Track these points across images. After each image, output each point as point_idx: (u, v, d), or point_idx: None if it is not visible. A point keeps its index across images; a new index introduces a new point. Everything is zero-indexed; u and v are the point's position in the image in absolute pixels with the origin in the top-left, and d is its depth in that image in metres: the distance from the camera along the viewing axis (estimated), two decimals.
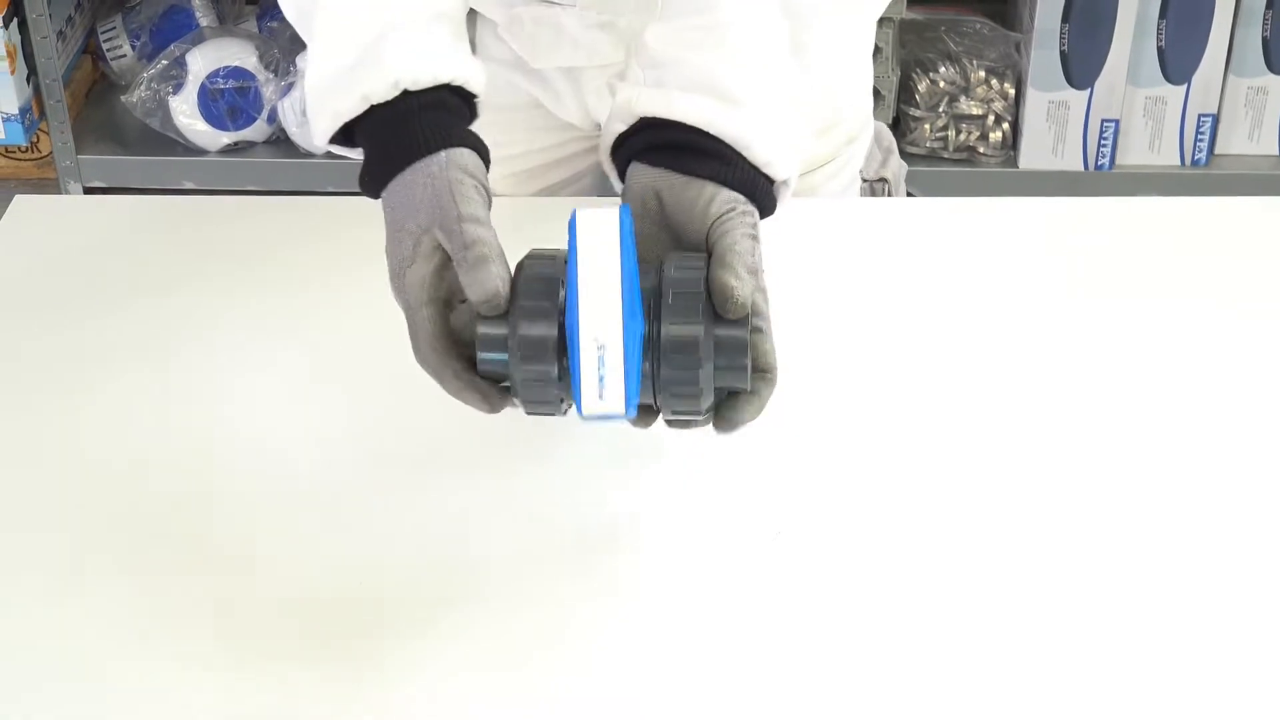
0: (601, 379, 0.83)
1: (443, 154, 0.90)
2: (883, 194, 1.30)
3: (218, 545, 0.95)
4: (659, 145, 0.92)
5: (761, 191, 0.92)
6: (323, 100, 0.94)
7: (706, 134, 0.91)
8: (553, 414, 0.89)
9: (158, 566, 0.94)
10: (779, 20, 0.95)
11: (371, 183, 0.93)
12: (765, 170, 0.92)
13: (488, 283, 0.85)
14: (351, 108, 0.93)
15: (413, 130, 0.91)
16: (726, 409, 0.88)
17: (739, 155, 0.91)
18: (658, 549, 0.95)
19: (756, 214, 0.91)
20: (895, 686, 0.87)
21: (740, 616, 0.91)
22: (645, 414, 0.90)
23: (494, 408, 0.89)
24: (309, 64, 0.96)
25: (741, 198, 0.90)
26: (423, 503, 0.98)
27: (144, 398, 1.06)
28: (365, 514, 0.97)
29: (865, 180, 1.29)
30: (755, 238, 0.89)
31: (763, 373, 0.88)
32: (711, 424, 0.88)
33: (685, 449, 1.00)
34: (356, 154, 0.96)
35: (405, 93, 0.92)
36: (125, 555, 0.95)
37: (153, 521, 0.97)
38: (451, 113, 0.93)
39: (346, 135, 0.96)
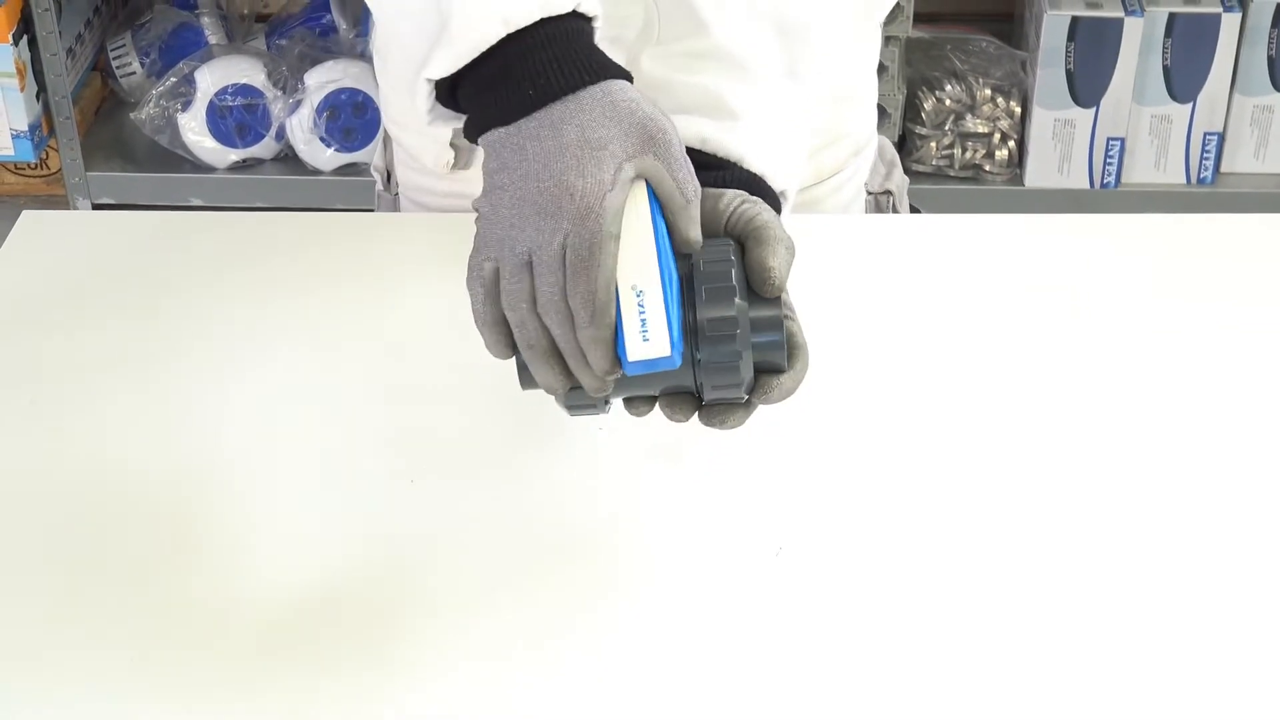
0: (644, 322, 0.82)
1: (627, 84, 0.85)
2: (888, 207, 1.31)
3: (223, 557, 0.96)
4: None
5: (762, 195, 0.92)
6: (481, 9, 0.84)
7: (699, 151, 0.92)
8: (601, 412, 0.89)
9: (164, 577, 0.94)
10: (771, 40, 0.95)
11: (537, 96, 0.84)
12: (763, 180, 0.92)
13: (695, 234, 0.85)
14: (526, 15, 0.84)
15: (590, 50, 0.85)
16: (764, 384, 0.87)
17: (736, 166, 0.92)
18: (659, 565, 0.95)
19: (754, 200, 0.90)
20: (896, 703, 0.87)
21: (741, 634, 0.91)
22: (682, 405, 0.88)
23: (611, 372, 0.84)
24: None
25: (745, 194, 0.90)
26: (425, 512, 0.98)
27: (151, 413, 1.06)
28: (370, 524, 0.98)
29: (870, 193, 1.30)
30: (779, 217, 0.89)
31: (798, 349, 0.88)
32: (750, 400, 0.87)
33: (687, 465, 1.01)
34: (445, 122, 0.90)
35: (573, 13, 0.86)
36: (131, 567, 0.95)
37: (157, 533, 0.97)
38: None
39: (450, 93, 0.88)
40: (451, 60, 0.85)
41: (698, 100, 0.92)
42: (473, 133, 0.87)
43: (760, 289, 0.85)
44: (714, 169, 0.92)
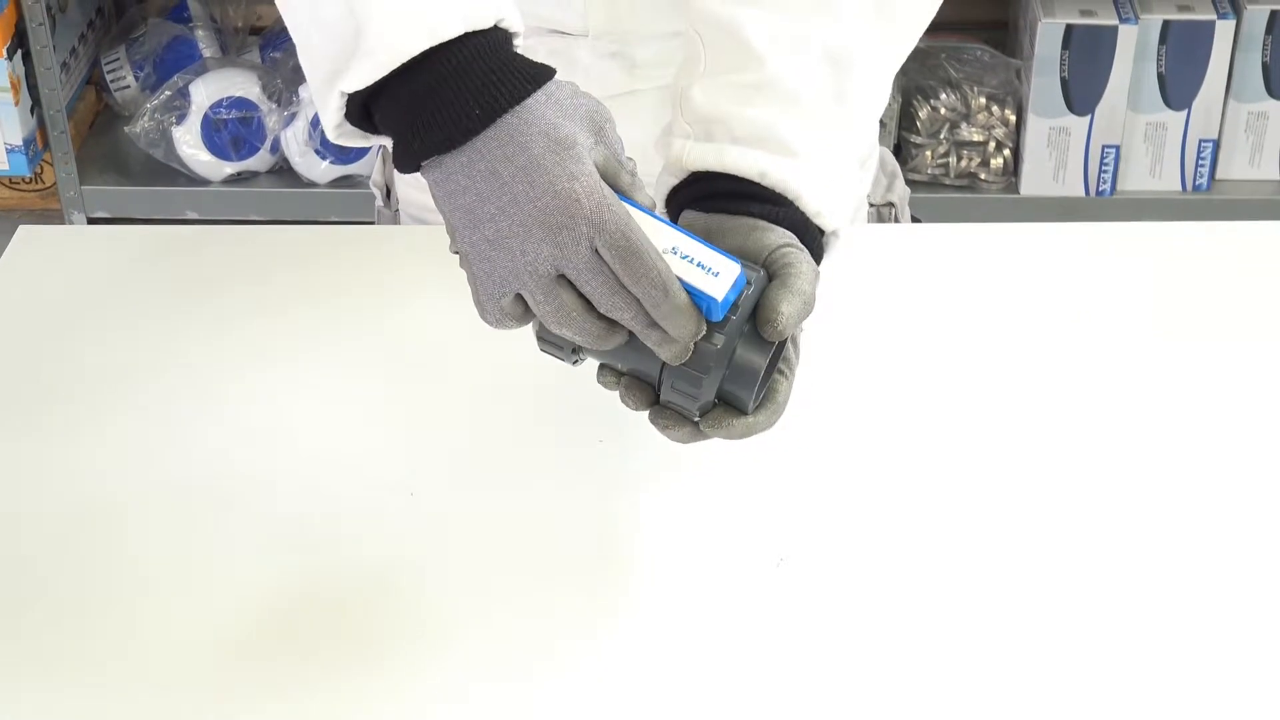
0: (700, 265, 0.84)
1: (560, 79, 0.86)
2: (890, 219, 1.31)
3: (221, 569, 0.96)
4: (711, 195, 0.92)
5: (811, 238, 0.92)
6: (402, 21, 0.82)
7: (757, 184, 0.91)
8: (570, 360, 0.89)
9: (161, 589, 0.94)
10: (823, 69, 0.94)
11: (484, 114, 0.83)
12: (815, 220, 0.92)
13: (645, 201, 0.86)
14: (450, 28, 0.82)
15: (517, 58, 0.85)
16: (720, 416, 0.87)
17: (790, 203, 0.91)
18: (661, 576, 0.95)
19: (805, 252, 0.90)
20: (898, 714, 0.87)
21: (743, 645, 0.91)
22: (639, 394, 0.87)
23: (697, 333, 0.84)
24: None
25: (794, 238, 0.90)
26: (425, 524, 0.98)
27: (150, 428, 1.06)
28: (370, 536, 0.97)
29: (872, 205, 1.29)
30: (818, 275, 0.89)
31: (773, 403, 0.88)
32: (701, 422, 0.87)
33: (687, 476, 1.01)
34: (350, 139, 0.88)
35: (494, 26, 0.85)
36: (129, 580, 0.95)
37: (155, 547, 0.97)
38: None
39: (363, 112, 0.86)
40: (371, 71, 0.83)
41: (755, 133, 0.92)
42: (407, 160, 0.84)
43: (763, 329, 0.85)
44: (770, 203, 0.91)
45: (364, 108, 0.86)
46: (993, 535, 0.98)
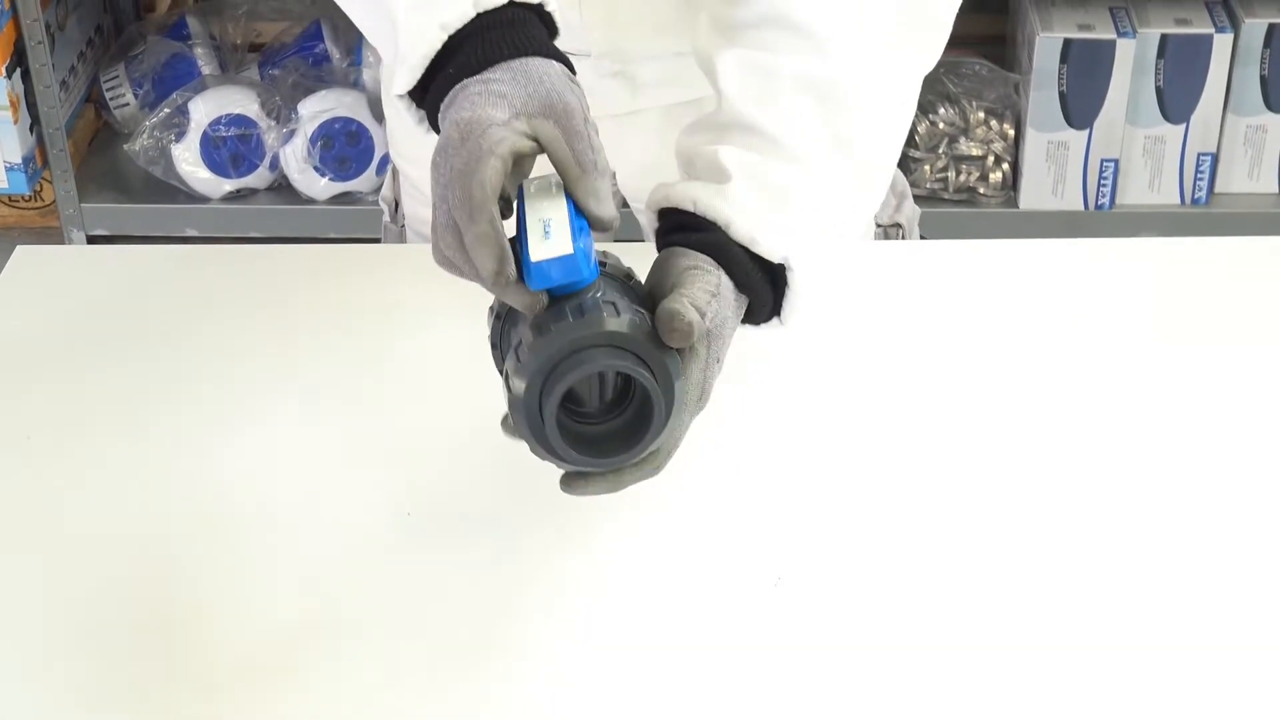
0: (548, 232, 0.83)
1: (552, 62, 0.88)
2: (896, 239, 1.30)
3: (221, 590, 0.95)
4: (666, 229, 0.92)
5: (734, 262, 0.89)
6: (420, 22, 0.88)
7: (692, 213, 0.90)
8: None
9: (161, 609, 0.94)
10: (794, 100, 0.92)
11: (456, 75, 0.87)
12: (751, 248, 0.89)
13: (609, 208, 0.85)
14: (460, 15, 0.87)
15: (520, 32, 0.88)
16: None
17: (717, 228, 0.90)
18: (659, 596, 0.95)
19: (721, 274, 0.88)
20: None
21: (740, 666, 0.91)
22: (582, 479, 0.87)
23: (501, 271, 0.83)
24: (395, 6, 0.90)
25: (707, 259, 0.89)
26: (419, 550, 0.98)
27: (149, 449, 1.06)
28: (356, 552, 0.97)
29: (879, 225, 1.29)
30: (713, 294, 0.87)
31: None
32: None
33: (684, 495, 1.00)
34: (414, 118, 0.92)
35: (512, 4, 0.88)
36: (128, 601, 0.95)
37: (154, 569, 0.97)
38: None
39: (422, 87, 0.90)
40: (408, 74, 0.88)
41: (706, 166, 0.92)
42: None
43: (658, 324, 0.83)
44: (699, 230, 0.90)
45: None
46: (996, 548, 0.97)
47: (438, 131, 0.88)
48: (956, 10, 0.99)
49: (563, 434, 0.83)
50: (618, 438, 0.85)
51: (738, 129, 0.93)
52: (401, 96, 0.89)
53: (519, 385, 0.83)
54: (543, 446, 0.84)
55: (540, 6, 0.89)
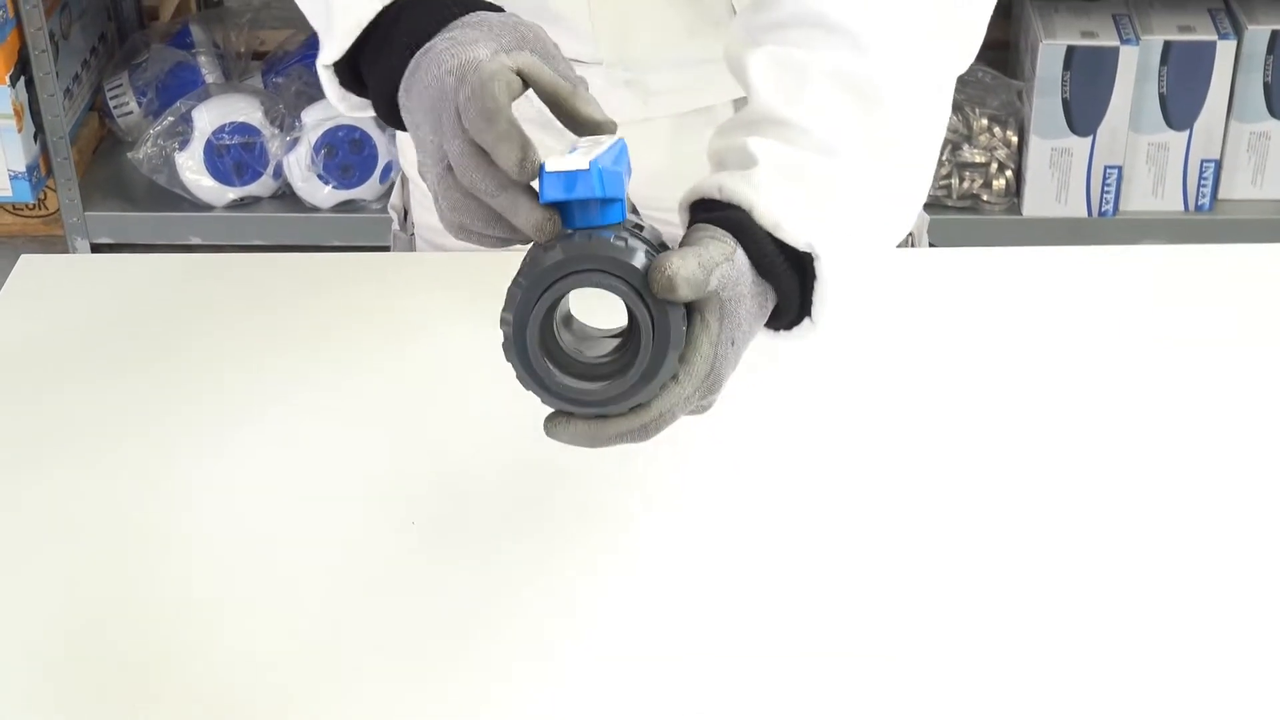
0: (573, 149, 0.82)
1: (500, 11, 0.89)
2: (907, 246, 1.30)
3: (221, 599, 0.95)
4: (695, 217, 0.90)
5: (756, 241, 0.87)
6: None
7: (718, 199, 0.88)
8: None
9: (162, 624, 0.94)
10: (825, 94, 0.91)
11: (412, 45, 0.88)
12: (775, 233, 0.87)
13: (604, 114, 0.85)
14: None
15: (458, 6, 0.90)
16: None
17: (741, 209, 0.88)
18: (667, 606, 0.95)
19: (738, 249, 0.86)
20: None
21: (745, 673, 0.91)
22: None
23: (525, 159, 0.82)
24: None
25: (726, 234, 0.86)
26: (423, 560, 0.98)
27: (155, 459, 1.06)
28: (360, 561, 0.97)
29: None
30: (725, 259, 0.84)
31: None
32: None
33: (694, 515, 1.00)
34: (354, 109, 0.95)
35: None
36: (124, 617, 0.95)
37: (160, 581, 0.97)
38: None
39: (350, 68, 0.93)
40: (337, 45, 0.91)
41: (736, 158, 0.90)
42: (382, 109, 0.91)
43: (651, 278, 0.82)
44: (718, 208, 0.88)
45: (357, 75, 0.93)
46: (1002, 554, 0.98)
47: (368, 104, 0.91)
48: (990, 13, 0.98)
49: (551, 361, 0.82)
50: (605, 373, 0.84)
51: (768, 122, 0.91)
52: (327, 68, 0.92)
53: (514, 294, 0.82)
54: (523, 365, 0.82)
55: None
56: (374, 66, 0.91)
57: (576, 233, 0.82)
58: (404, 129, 0.90)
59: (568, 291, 0.82)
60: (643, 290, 0.82)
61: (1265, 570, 0.97)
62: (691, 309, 0.83)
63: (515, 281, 0.82)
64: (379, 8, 0.90)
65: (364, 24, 0.90)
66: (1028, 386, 1.11)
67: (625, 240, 0.82)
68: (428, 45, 0.87)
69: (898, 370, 1.12)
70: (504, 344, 0.83)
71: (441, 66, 0.85)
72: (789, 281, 0.88)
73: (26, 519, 1.02)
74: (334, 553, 0.99)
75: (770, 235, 0.87)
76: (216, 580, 0.97)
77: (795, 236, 0.87)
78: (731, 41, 0.96)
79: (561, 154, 0.82)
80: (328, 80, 0.93)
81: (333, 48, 0.91)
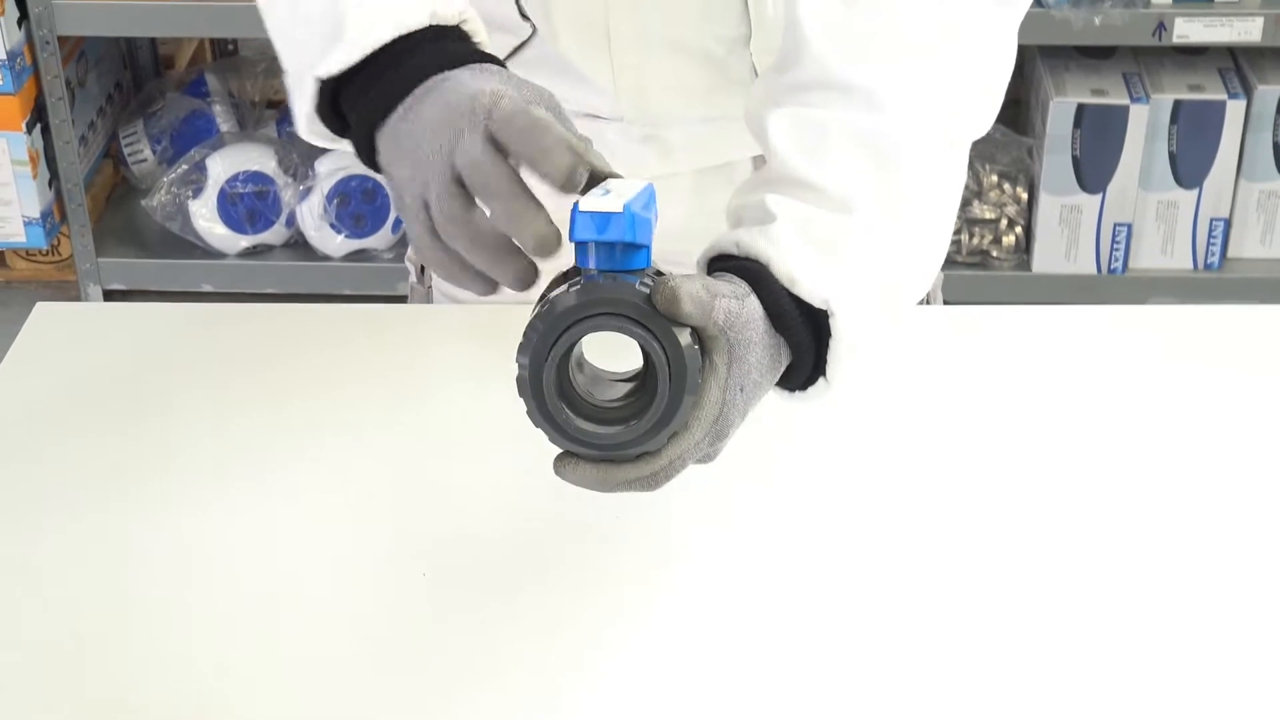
0: (606, 190, 0.82)
1: (487, 65, 0.90)
2: (923, 303, 1.30)
3: (231, 647, 0.96)
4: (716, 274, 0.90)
5: (771, 292, 0.87)
6: (374, 14, 0.90)
7: (735, 255, 0.89)
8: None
9: (179, 673, 0.94)
10: (843, 153, 0.91)
11: (415, 78, 0.89)
12: (791, 289, 0.87)
13: (609, 170, 0.85)
14: (417, 19, 0.89)
15: (470, 49, 0.90)
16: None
17: (759, 264, 0.88)
18: (670, 674, 0.95)
19: (752, 295, 0.86)
20: None
21: (739, 691, 0.91)
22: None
23: (582, 159, 0.83)
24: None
25: (740, 280, 0.87)
26: (435, 612, 0.98)
27: (169, 512, 1.06)
28: (371, 611, 0.98)
29: None
30: (736, 298, 0.84)
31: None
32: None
33: (706, 563, 1.01)
34: (321, 138, 0.95)
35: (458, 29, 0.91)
36: (146, 661, 0.95)
37: (173, 627, 0.97)
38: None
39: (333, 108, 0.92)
40: (344, 58, 0.89)
41: (753, 215, 0.90)
42: (361, 133, 0.90)
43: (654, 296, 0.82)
44: (734, 259, 0.89)
45: (334, 103, 0.91)
46: (1011, 620, 0.98)
47: (338, 132, 0.92)
48: (1008, 80, 0.99)
49: (565, 402, 0.82)
50: (618, 417, 0.83)
51: (786, 181, 0.91)
52: (317, 80, 0.90)
53: (531, 335, 0.82)
54: (538, 406, 0.82)
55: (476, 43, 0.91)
56: (368, 92, 0.89)
57: (602, 275, 0.82)
58: (374, 162, 0.90)
59: (589, 333, 0.82)
60: (662, 337, 0.82)
61: (1265, 614, 0.97)
62: (700, 353, 0.83)
63: (531, 324, 0.82)
64: (405, 31, 0.89)
65: (376, 46, 0.89)
66: (1034, 446, 1.11)
67: (649, 287, 0.82)
68: (445, 74, 0.87)
69: (905, 426, 1.12)
70: (518, 381, 0.83)
71: (470, 87, 0.85)
72: (803, 336, 0.87)
73: (38, 565, 1.02)
74: (345, 603, 0.99)
75: (786, 290, 0.87)
76: (224, 634, 0.97)
77: (811, 292, 0.87)
78: (753, 102, 0.97)
79: (591, 194, 0.82)
80: (307, 92, 0.91)
81: (335, 61, 0.89)
